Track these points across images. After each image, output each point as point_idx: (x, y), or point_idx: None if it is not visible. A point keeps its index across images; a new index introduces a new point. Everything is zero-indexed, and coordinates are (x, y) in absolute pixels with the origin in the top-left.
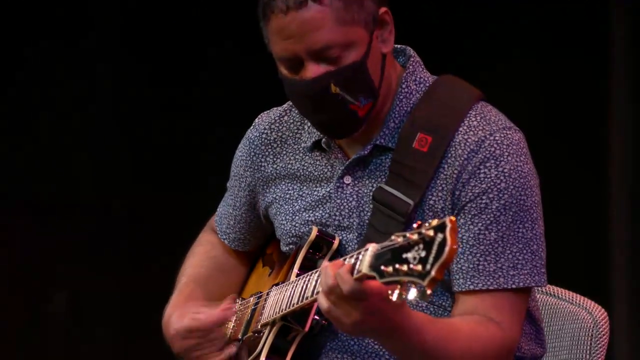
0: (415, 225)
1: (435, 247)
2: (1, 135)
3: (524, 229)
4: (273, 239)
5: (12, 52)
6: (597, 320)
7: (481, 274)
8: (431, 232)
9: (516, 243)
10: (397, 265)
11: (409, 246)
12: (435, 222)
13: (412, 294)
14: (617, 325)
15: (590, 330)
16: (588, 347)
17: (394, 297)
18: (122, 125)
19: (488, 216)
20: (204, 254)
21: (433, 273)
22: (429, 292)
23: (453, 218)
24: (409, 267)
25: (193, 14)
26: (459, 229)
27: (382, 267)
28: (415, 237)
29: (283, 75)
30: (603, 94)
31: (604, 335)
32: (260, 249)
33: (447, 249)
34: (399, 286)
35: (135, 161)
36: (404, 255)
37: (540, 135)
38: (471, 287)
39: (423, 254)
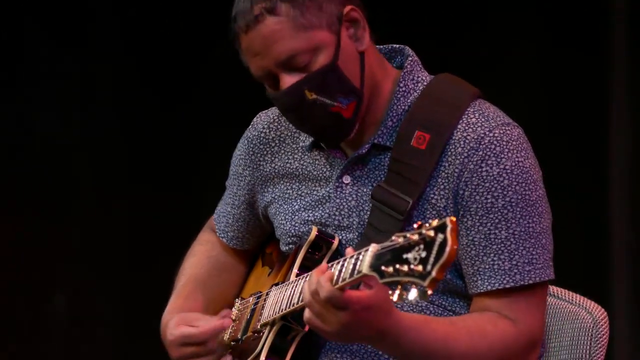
0: (415, 226)
1: (435, 248)
2: (1, 135)
3: (532, 223)
4: (272, 239)
5: (12, 51)
6: (597, 320)
7: (497, 274)
8: (432, 233)
9: (528, 238)
10: (397, 266)
11: (409, 246)
12: (435, 222)
13: (413, 294)
14: (617, 325)
15: (590, 330)
16: (588, 347)
17: (395, 298)
18: (122, 125)
19: (496, 215)
20: (203, 254)
21: (434, 273)
22: (429, 292)
23: (453, 218)
24: (409, 268)
25: (193, 14)
26: (469, 232)
27: (383, 268)
28: (415, 237)
29: (268, 93)
30: (603, 93)
31: (604, 335)
32: (260, 248)
33: (447, 249)
34: (399, 287)
35: (135, 161)
36: (405, 256)
37: (539, 135)
38: (489, 287)
39: (424, 254)
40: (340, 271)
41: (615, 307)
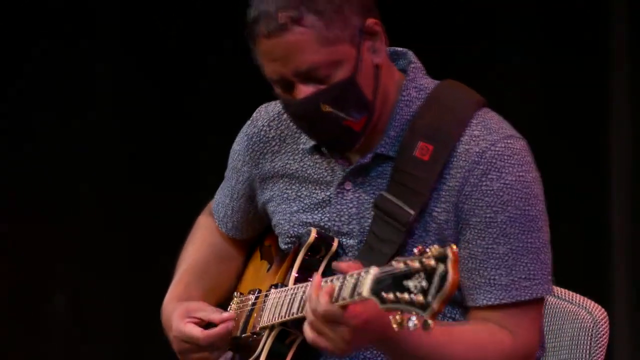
0: (416, 251)
1: (437, 279)
2: (1, 136)
3: (532, 239)
4: (270, 231)
5: (12, 52)
6: (597, 320)
7: (494, 288)
8: (432, 262)
9: (527, 254)
10: (398, 294)
11: (410, 274)
12: (436, 250)
13: (413, 322)
14: (617, 325)
15: (590, 330)
16: (588, 347)
17: (395, 326)
18: (122, 125)
19: (495, 230)
20: (204, 241)
21: (435, 306)
22: (431, 323)
23: (455, 247)
24: (410, 297)
25: (194, 14)
26: (468, 244)
27: (383, 294)
28: (416, 264)
29: (277, 94)
30: (603, 93)
31: (604, 335)
32: (258, 240)
33: (449, 282)
34: (399, 312)
35: (135, 161)
36: (405, 283)
37: (540, 136)
38: (485, 302)
39: (424, 284)
40: (340, 288)
41: (615, 307)
